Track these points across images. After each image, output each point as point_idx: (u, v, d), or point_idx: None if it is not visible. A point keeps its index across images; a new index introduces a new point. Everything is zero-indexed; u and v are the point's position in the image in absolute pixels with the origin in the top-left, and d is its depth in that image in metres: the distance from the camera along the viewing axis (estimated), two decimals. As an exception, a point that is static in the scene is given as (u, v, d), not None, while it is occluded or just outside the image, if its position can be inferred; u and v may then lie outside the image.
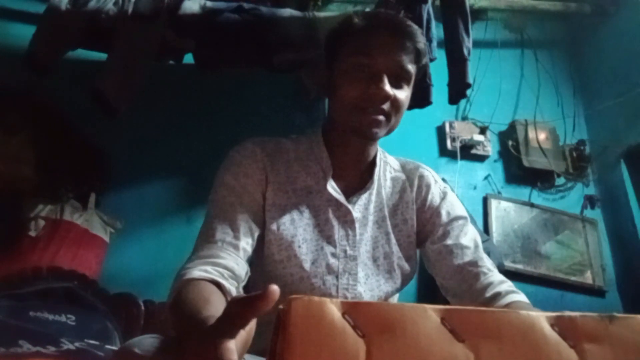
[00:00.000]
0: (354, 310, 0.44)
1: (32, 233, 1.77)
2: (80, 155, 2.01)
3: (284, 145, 1.05)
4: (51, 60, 1.85)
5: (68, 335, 1.36)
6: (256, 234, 0.94)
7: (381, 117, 0.92)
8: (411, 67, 0.93)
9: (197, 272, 0.79)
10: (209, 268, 0.81)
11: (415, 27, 0.94)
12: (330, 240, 0.97)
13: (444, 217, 1.02)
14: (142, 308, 1.62)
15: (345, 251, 0.96)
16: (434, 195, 1.06)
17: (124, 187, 2.12)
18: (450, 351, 0.45)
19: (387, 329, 0.44)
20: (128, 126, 2.08)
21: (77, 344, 1.35)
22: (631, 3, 2.85)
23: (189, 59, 2.11)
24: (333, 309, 0.44)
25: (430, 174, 1.10)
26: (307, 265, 0.94)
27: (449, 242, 0.99)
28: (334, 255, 0.96)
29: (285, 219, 0.96)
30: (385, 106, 0.91)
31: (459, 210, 1.05)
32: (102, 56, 1.94)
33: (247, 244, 0.91)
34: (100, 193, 2.01)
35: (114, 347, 1.40)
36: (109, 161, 2.08)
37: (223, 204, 0.93)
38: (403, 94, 0.93)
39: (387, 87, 0.90)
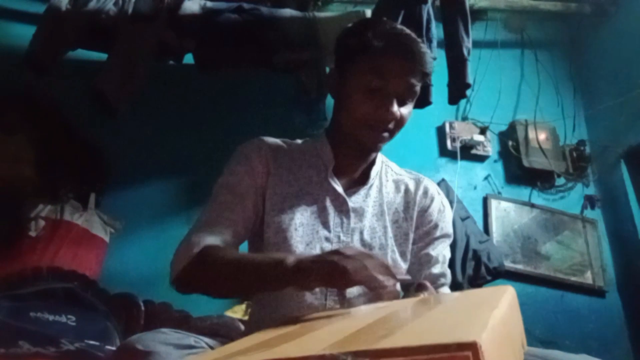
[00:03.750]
0: None
1: (32, 233, 1.77)
2: (80, 155, 2.00)
3: (289, 144, 1.13)
4: (51, 60, 1.85)
5: (68, 335, 1.36)
6: (249, 226, 1.01)
7: (386, 134, 1.01)
8: (417, 88, 1.01)
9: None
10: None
11: (428, 51, 1.02)
12: (325, 225, 1.02)
13: (437, 232, 1.09)
14: (142, 308, 1.63)
15: (339, 237, 1.01)
16: (434, 209, 1.11)
17: (124, 187, 2.11)
18: None
19: None
20: (128, 126, 2.08)
21: (77, 345, 1.34)
22: (631, 3, 2.85)
23: (189, 59, 2.11)
24: None
25: (435, 187, 1.16)
26: (301, 247, 0.99)
27: (432, 253, 1.06)
28: (327, 239, 1.01)
29: (285, 204, 1.02)
30: (391, 125, 1.00)
31: (450, 228, 1.13)
32: (102, 56, 1.94)
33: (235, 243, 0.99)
34: (100, 193, 2.01)
35: (114, 348, 1.40)
36: (109, 161, 2.08)
37: (224, 194, 1.01)
38: (407, 110, 1.02)
39: (395, 108, 0.98)
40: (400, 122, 1.00)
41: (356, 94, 0.99)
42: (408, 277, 0.86)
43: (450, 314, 0.56)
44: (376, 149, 1.06)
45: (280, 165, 1.06)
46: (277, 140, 1.12)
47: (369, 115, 0.98)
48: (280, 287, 0.87)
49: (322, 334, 0.56)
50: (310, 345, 0.50)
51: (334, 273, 0.75)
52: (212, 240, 0.92)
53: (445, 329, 0.46)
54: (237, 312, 1.80)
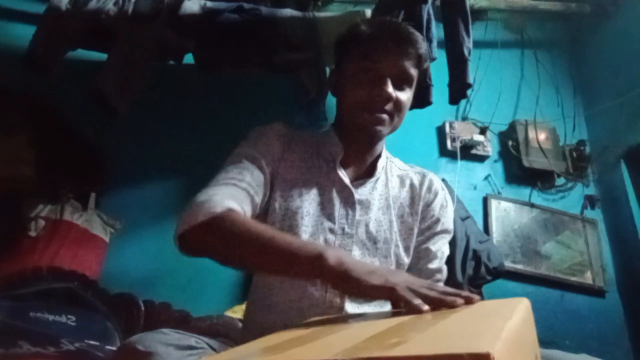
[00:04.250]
0: None
1: (32, 233, 1.77)
2: (80, 155, 2.00)
3: (301, 134, 1.15)
4: (51, 60, 1.85)
5: (68, 335, 1.36)
6: (264, 201, 1.00)
7: (384, 116, 1.00)
8: (413, 71, 1.01)
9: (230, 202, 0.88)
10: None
11: (418, 34, 1.02)
12: (330, 217, 1.02)
13: (438, 227, 1.10)
14: (142, 308, 1.63)
15: (343, 229, 1.02)
16: (437, 204, 1.12)
17: (124, 187, 2.11)
18: None
19: None
20: (128, 126, 2.09)
21: (77, 345, 1.34)
22: (631, 3, 2.84)
23: (189, 59, 2.11)
24: None
25: (439, 182, 1.17)
26: (305, 237, 0.99)
27: (432, 248, 1.07)
28: (332, 231, 1.01)
29: (294, 191, 1.03)
30: (388, 107, 0.99)
31: (450, 224, 1.13)
32: (102, 56, 1.94)
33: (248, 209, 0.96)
34: (100, 193, 2.01)
35: (114, 348, 1.40)
36: (109, 161, 2.07)
37: (244, 160, 1.00)
38: (405, 96, 1.01)
39: (390, 89, 0.98)
40: (398, 105, 1.00)
41: (351, 80, 1.01)
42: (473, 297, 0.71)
43: (464, 323, 0.55)
44: (377, 134, 1.03)
45: (293, 152, 1.08)
46: (292, 129, 1.14)
47: (364, 98, 0.99)
48: (307, 279, 0.88)
49: (334, 339, 0.55)
50: (322, 350, 0.50)
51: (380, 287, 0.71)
52: (234, 205, 0.88)
53: (458, 339, 0.45)
54: (237, 312, 1.80)
